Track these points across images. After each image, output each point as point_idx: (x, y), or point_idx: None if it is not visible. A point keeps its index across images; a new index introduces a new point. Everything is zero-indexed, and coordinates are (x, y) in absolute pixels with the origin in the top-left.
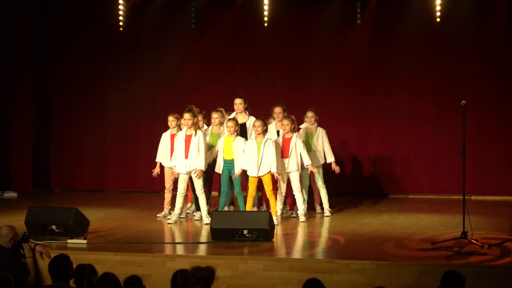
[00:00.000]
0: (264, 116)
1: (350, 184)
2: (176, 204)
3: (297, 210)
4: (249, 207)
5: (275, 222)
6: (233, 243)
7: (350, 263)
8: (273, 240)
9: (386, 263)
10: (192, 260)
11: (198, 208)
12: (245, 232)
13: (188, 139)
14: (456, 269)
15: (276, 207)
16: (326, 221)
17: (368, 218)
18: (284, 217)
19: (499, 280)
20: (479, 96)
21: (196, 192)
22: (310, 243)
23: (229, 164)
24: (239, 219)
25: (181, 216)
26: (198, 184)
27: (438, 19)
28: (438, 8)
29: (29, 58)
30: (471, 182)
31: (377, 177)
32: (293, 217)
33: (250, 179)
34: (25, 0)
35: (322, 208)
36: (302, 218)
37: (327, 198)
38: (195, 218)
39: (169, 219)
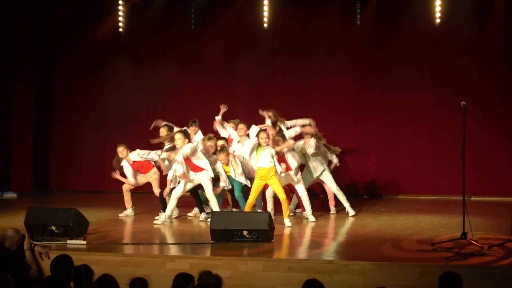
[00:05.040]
0: (262, 119)
1: (350, 185)
2: (168, 205)
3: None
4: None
5: (289, 224)
6: (233, 243)
7: (349, 264)
8: (272, 240)
9: (385, 264)
10: (191, 261)
11: (201, 210)
12: (245, 232)
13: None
14: (456, 270)
15: (289, 210)
16: (326, 222)
17: (367, 219)
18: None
19: (499, 281)
20: (478, 97)
21: (207, 195)
22: (310, 244)
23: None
24: (238, 219)
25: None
26: (208, 186)
27: (438, 20)
28: (438, 9)
29: (29, 58)
30: (471, 183)
31: (377, 178)
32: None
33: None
34: (25, 0)
35: (337, 210)
36: (311, 218)
37: (345, 198)
38: (200, 219)
39: (156, 219)
